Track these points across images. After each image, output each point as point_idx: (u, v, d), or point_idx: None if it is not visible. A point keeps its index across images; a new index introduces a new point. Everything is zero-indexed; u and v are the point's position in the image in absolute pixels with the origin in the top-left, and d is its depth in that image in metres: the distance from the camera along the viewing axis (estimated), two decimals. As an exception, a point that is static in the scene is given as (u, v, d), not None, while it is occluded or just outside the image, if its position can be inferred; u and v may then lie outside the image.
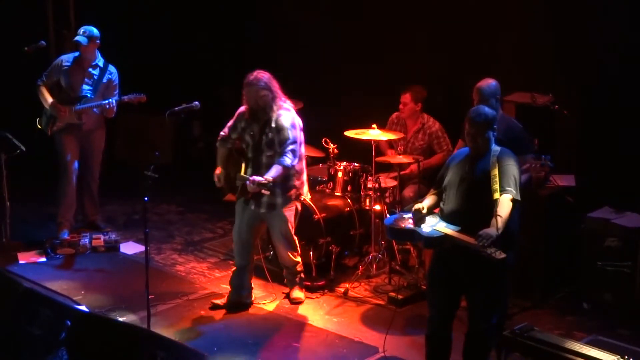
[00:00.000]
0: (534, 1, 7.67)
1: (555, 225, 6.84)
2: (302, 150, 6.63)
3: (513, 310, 6.45)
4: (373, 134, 7.19)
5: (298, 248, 6.83)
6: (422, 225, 5.29)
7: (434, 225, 5.27)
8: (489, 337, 5.26)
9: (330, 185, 7.48)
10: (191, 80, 10.01)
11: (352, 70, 8.76)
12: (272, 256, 7.32)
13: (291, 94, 6.81)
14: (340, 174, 7.42)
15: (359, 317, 6.66)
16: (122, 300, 6.77)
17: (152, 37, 10.10)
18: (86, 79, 7.69)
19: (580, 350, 4.92)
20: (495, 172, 5.13)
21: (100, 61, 7.73)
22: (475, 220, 5.05)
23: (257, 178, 6.20)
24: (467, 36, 8.00)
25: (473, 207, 5.17)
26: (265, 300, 6.89)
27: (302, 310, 6.77)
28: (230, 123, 6.66)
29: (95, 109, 7.71)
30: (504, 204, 5.04)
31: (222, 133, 6.68)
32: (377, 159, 7.26)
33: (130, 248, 7.90)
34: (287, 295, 6.93)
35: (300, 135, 6.55)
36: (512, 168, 5.18)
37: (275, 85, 6.48)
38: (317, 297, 6.96)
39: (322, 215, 7.13)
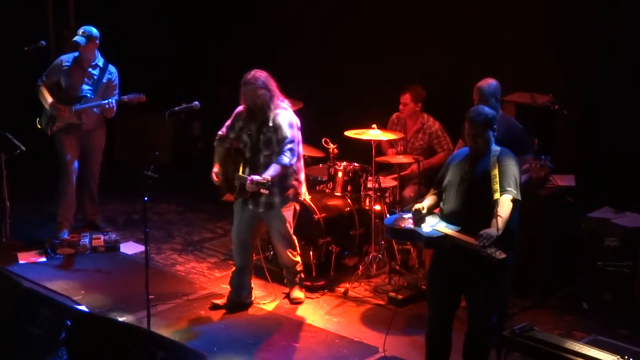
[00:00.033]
0: (534, 1, 7.67)
1: (555, 225, 6.84)
2: (300, 149, 6.62)
3: (513, 310, 6.45)
4: (373, 134, 7.18)
5: (297, 248, 6.83)
6: (422, 225, 5.29)
7: (434, 225, 5.27)
8: (489, 337, 5.26)
9: (330, 185, 7.48)
10: (191, 80, 10.01)
11: (352, 70, 8.76)
12: (272, 256, 7.32)
13: (291, 94, 6.81)
14: (340, 174, 7.42)
15: (359, 317, 6.66)
16: (122, 300, 6.77)
17: (152, 37, 10.10)
18: (86, 79, 7.69)
19: (580, 350, 4.92)
20: (496, 172, 5.12)
21: (100, 61, 7.73)
22: (475, 220, 5.05)
23: (256, 177, 6.19)
24: (467, 36, 8.01)
25: (473, 207, 5.17)
26: (265, 300, 6.89)
27: (302, 310, 6.76)
28: (228, 123, 6.65)
29: (95, 109, 7.71)
30: (505, 205, 5.04)
31: (219, 133, 6.67)
32: (377, 158, 7.26)
33: (130, 248, 7.90)
34: (287, 295, 6.93)
35: (298, 135, 6.54)
36: (513, 168, 5.18)
37: (272, 85, 6.47)
38: (317, 297, 6.96)
39: (322, 215, 7.13)
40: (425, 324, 5.49)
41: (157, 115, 8.41)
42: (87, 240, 7.81)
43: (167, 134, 9.97)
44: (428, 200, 5.42)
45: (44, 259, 7.61)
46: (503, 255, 4.88)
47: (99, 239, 7.86)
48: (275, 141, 6.42)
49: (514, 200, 5.08)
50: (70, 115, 7.65)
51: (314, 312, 6.73)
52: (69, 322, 5.13)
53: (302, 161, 6.70)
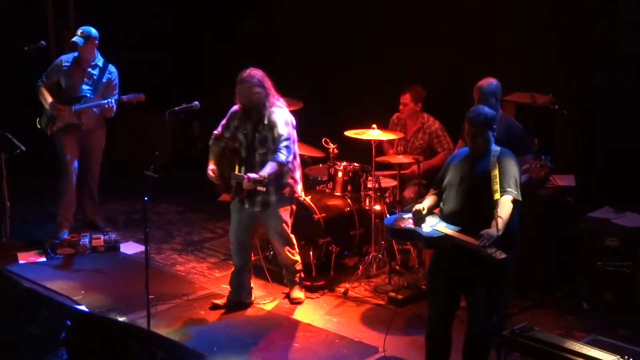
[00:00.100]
0: (534, 1, 7.67)
1: (555, 225, 6.84)
2: (296, 148, 6.61)
3: (513, 310, 6.45)
4: (373, 134, 7.18)
5: (296, 246, 6.82)
6: (422, 226, 5.29)
7: (434, 225, 5.27)
8: (489, 337, 5.26)
9: (330, 185, 7.47)
10: (191, 80, 10.01)
11: (352, 70, 8.76)
12: (271, 256, 7.32)
13: (291, 94, 6.80)
14: (340, 174, 7.41)
15: (359, 317, 6.66)
16: (122, 300, 6.77)
17: (152, 37, 10.10)
18: (86, 79, 7.69)
19: (580, 350, 4.92)
20: (496, 172, 5.12)
21: (99, 61, 7.73)
22: (475, 220, 5.05)
23: (253, 175, 6.17)
24: (467, 36, 8.01)
25: (473, 207, 5.17)
26: (265, 300, 6.89)
27: (302, 310, 6.76)
28: (223, 122, 6.63)
29: (94, 109, 7.71)
30: (505, 205, 5.04)
31: (215, 132, 6.66)
32: (377, 158, 7.26)
33: (130, 248, 7.90)
34: (287, 295, 6.93)
35: (294, 133, 6.51)
36: (513, 168, 5.18)
37: (268, 83, 6.44)
38: (317, 297, 6.96)
39: (322, 215, 7.13)
40: (425, 324, 5.49)
41: (157, 115, 8.41)
42: (87, 240, 7.81)
43: (167, 134, 9.97)
44: (428, 201, 5.42)
45: (44, 259, 7.61)
46: (503, 256, 4.88)
47: (99, 239, 7.86)
48: (271, 139, 6.40)
49: (514, 201, 5.08)
50: (70, 115, 7.65)
51: (314, 312, 6.73)
52: (69, 322, 5.13)
53: (298, 160, 6.68)
